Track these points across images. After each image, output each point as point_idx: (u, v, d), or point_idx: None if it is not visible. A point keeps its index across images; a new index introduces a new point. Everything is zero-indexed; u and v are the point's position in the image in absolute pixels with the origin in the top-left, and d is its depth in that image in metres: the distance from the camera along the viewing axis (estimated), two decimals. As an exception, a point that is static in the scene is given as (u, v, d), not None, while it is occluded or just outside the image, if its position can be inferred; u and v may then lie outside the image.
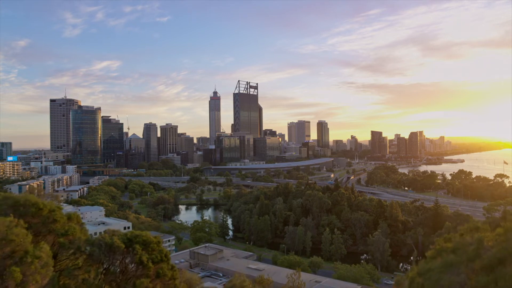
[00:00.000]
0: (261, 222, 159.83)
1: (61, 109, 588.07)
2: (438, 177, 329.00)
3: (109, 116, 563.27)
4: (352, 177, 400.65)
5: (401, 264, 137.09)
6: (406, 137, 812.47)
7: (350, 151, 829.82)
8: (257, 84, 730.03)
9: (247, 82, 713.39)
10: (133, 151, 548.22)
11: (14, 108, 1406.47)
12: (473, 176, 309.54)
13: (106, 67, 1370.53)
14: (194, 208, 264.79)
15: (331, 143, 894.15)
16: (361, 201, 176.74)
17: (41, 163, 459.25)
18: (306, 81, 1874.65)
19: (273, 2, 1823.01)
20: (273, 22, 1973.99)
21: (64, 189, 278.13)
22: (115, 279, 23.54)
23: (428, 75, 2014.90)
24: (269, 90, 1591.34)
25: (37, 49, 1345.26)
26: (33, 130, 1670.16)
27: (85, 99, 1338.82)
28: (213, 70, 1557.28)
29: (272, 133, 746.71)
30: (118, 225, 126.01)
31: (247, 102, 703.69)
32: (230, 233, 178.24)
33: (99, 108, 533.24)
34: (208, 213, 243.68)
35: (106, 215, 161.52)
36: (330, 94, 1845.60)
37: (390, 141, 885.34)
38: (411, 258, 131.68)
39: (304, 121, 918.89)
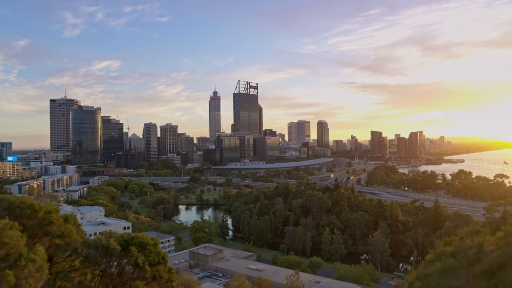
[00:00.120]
0: (261, 222, 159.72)
1: (61, 109, 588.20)
2: (438, 177, 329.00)
3: (109, 116, 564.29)
4: (352, 177, 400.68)
5: (401, 264, 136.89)
6: (406, 137, 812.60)
7: (350, 151, 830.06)
8: (257, 84, 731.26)
9: (247, 82, 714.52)
10: (133, 151, 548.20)
11: (14, 108, 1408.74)
12: (473, 176, 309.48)
13: (106, 67, 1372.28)
14: (194, 208, 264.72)
15: (331, 143, 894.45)
16: (361, 201, 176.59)
17: (41, 163, 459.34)
18: (306, 81, 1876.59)
19: (273, 2, 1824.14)
20: (273, 22, 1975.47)
21: (64, 189, 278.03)
22: (111, 281, 23.35)
23: (428, 75, 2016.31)
24: (269, 90, 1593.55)
25: (37, 49, 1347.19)
26: (33, 130, 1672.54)
27: (85, 99, 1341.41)
28: (213, 70, 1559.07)
29: (272, 133, 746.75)
30: (118, 225, 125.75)
31: (247, 102, 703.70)
32: (230, 233, 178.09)
33: (99, 108, 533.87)
34: (208, 213, 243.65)
35: (106, 215, 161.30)
36: (330, 94, 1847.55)
37: (390, 141, 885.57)
38: (411, 258, 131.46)
39: (304, 121, 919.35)
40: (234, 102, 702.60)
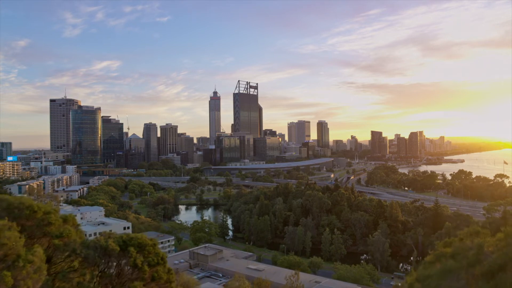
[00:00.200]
0: (261, 222, 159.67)
1: (61, 109, 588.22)
2: (438, 177, 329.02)
3: (109, 116, 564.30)
4: (352, 177, 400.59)
5: (401, 264, 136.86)
6: (406, 137, 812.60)
7: (350, 151, 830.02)
8: (257, 84, 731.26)
9: (247, 82, 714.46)
10: (133, 151, 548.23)
11: (14, 108, 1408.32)
12: (473, 176, 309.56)
13: (106, 67, 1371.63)
14: (194, 208, 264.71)
15: (331, 143, 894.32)
16: (361, 201, 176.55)
17: (41, 163, 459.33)
18: (306, 81, 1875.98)
19: (273, 2, 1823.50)
20: (273, 22, 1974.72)
21: (64, 189, 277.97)
22: (110, 282, 23.29)
23: (428, 75, 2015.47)
24: (269, 90, 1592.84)
25: (37, 49, 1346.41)
26: (33, 130, 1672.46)
27: (85, 99, 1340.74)
28: (213, 70, 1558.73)
29: (272, 133, 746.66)
30: (118, 225, 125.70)
31: (247, 102, 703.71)
32: (230, 233, 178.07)
33: (99, 108, 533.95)
34: (208, 213, 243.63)
35: (106, 215, 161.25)
36: (330, 94, 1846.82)
37: (390, 141, 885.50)
38: (411, 258, 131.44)
39: (304, 121, 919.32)
40: (234, 102, 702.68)
